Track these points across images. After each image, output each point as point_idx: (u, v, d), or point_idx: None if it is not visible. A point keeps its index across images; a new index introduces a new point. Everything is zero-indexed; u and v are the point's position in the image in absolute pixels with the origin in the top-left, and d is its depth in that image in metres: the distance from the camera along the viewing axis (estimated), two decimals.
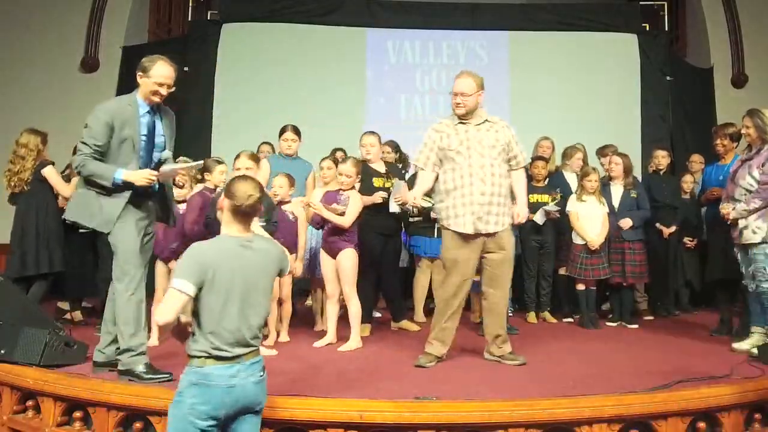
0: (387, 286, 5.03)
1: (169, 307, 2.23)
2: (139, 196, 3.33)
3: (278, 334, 4.49)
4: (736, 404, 3.01)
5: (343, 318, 4.51)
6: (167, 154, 3.42)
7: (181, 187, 4.66)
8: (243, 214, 2.39)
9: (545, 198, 5.30)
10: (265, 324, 3.03)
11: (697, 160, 6.22)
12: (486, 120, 3.85)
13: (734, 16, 7.67)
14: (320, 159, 5.09)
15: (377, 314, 5.35)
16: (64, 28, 7.45)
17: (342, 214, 4.26)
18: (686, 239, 5.86)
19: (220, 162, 4.60)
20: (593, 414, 2.85)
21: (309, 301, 5.45)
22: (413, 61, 7.94)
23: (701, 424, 2.95)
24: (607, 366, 3.68)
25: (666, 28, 8.15)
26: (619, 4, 8.37)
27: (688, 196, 5.87)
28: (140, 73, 3.32)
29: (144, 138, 3.33)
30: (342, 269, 4.29)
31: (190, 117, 7.27)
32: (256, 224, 2.85)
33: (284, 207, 4.51)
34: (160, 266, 4.37)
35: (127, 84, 6.97)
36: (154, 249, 3.67)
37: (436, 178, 3.87)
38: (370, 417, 2.79)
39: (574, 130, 6.56)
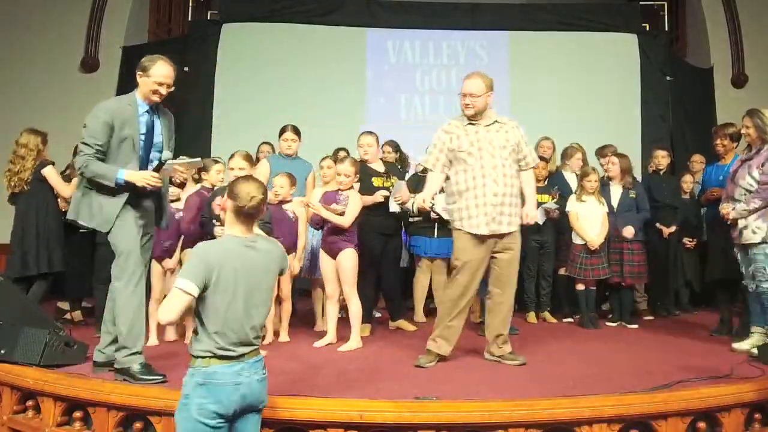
0: (387, 286, 5.03)
1: (172, 306, 2.26)
2: (138, 196, 3.34)
3: (278, 334, 4.50)
4: (736, 404, 3.01)
5: (343, 318, 4.51)
6: (167, 154, 3.42)
7: (181, 186, 4.66)
8: (246, 215, 2.40)
9: (546, 198, 5.29)
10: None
11: (698, 160, 6.22)
12: (496, 121, 3.85)
13: (734, 16, 7.67)
14: (320, 159, 5.10)
15: (377, 314, 5.36)
16: (64, 28, 7.46)
17: (341, 213, 4.26)
18: (686, 239, 5.86)
19: (216, 161, 4.62)
20: (593, 414, 2.85)
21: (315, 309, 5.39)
22: (413, 61, 7.94)
23: (701, 424, 2.96)
24: (607, 366, 3.68)
25: (666, 28, 8.16)
26: (619, 4, 8.37)
27: (687, 196, 5.88)
28: (140, 73, 3.32)
29: (142, 137, 3.33)
30: (342, 269, 4.29)
31: (190, 117, 7.27)
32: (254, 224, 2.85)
33: (285, 206, 4.51)
34: (154, 266, 4.38)
35: (127, 84, 6.97)
36: None
37: (445, 180, 3.87)
38: (370, 417, 2.79)
39: (574, 130, 6.57)
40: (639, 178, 6.07)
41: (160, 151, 3.42)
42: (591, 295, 5.17)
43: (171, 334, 4.41)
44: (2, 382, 3.36)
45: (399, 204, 4.78)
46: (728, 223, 4.12)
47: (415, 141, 6.58)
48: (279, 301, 4.47)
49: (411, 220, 5.29)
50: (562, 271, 5.49)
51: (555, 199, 5.28)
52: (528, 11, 8.00)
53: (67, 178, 5.00)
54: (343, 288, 4.34)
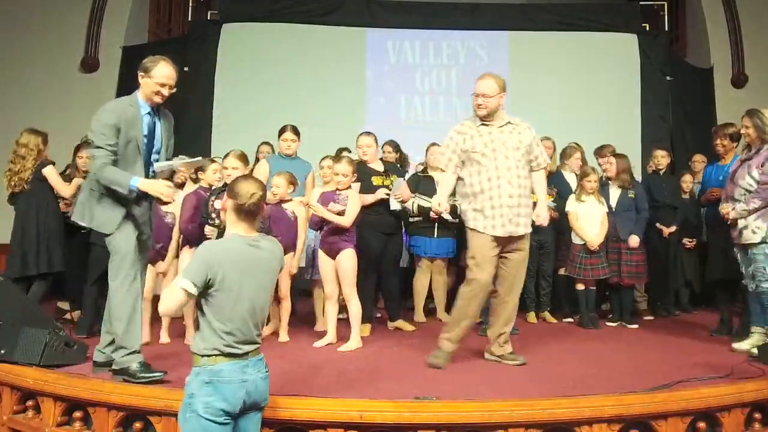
0: (387, 286, 5.03)
1: (170, 301, 2.33)
2: (137, 197, 3.32)
3: (278, 334, 4.50)
4: (736, 404, 3.02)
5: (344, 318, 4.51)
6: (161, 159, 3.42)
7: (180, 186, 4.66)
8: (247, 213, 2.42)
9: (547, 197, 5.29)
10: None
11: (699, 160, 6.22)
12: (508, 122, 3.84)
13: (734, 16, 7.67)
14: (320, 159, 5.11)
15: (377, 314, 5.35)
16: (64, 28, 7.45)
17: (341, 213, 4.26)
18: (685, 240, 5.86)
19: (213, 161, 4.62)
20: (593, 414, 2.85)
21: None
22: (413, 61, 7.94)
23: (701, 424, 2.96)
24: (607, 366, 3.69)
25: (666, 28, 8.15)
26: (619, 4, 8.37)
27: (687, 195, 5.88)
28: (142, 74, 3.30)
29: (145, 139, 3.32)
30: (342, 269, 4.29)
31: (190, 117, 7.27)
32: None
33: (284, 206, 4.52)
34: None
35: (127, 84, 6.99)
36: None
37: (457, 180, 3.86)
38: (370, 417, 2.79)
39: (574, 130, 6.56)
40: (639, 178, 6.07)
41: (159, 152, 3.41)
42: (591, 295, 5.17)
43: (165, 338, 4.38)
44: (2, 382, 3.36)
45: (399, 201, 4.78)
46: (728, 223, 4.12)
47: (415, 141, 6.58)
48: (278, 300, 4.47)
49: (411, 220, 5.29)
50: (561, 271, 5.49)
51: (553, 198, 5.28)
52: (528, 11, 8.00)
53: (67, 178, 5.00)
54: (342, 289, 4.33)
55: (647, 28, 7.98)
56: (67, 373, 3.28)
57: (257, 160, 5.61)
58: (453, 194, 4.22)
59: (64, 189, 4.76)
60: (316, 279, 4.87)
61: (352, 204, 4.31)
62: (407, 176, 5.39)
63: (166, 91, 3.31)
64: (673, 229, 5.60)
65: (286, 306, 4.53)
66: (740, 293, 4.54)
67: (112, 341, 3.33)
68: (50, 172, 4.70)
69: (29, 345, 3.34)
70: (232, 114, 7.57)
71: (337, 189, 4.36)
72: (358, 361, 3.87)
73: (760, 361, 3.58)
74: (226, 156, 4.34)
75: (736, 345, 4.05)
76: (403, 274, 5.52)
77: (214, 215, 4.11)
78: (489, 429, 2.82)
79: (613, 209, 5.23)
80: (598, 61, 7.77)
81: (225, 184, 4.08)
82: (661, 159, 5.78)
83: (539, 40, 7.84)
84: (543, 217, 3.93)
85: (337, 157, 4.74)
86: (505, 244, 3.75)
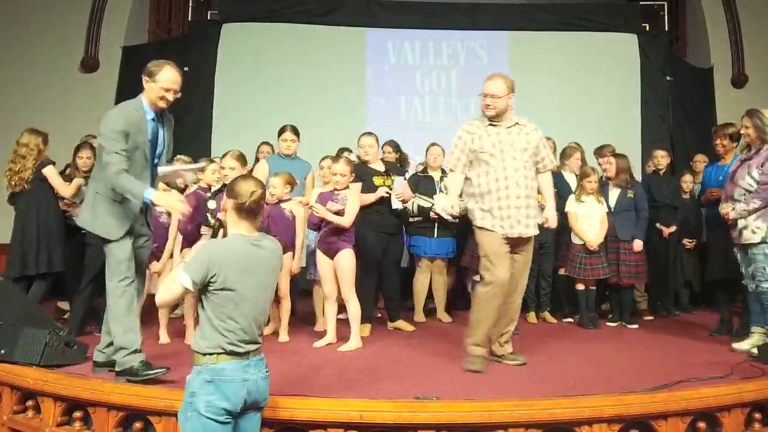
0: (387, 286, 5.03)
1: (168, 293, 2.39)
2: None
3: (278, 334, 4.50)
4: (736, 404, 3.02)
5: (343, 318, 4.51)
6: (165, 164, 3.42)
7: (183, 191, 4.66)
8: (248, 212, 2.43)
9: None
10: None
11: (700, 160, 6.20)
12: (516, 123, 3.84)
13: (734, 16, 7.67)
14: (320, 159, 5.10)
15: (377, 314, 5.35)
16: (64, 28, 7.45)
17: (339, 213, 4.25)
18: (685, 240, 5.86)
19: (212, 161, 4.63)
20: (593, 414, 2.85)
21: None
22: (413, 62, 7.93)
23: (701, 424, 2.96)
24: (607, 366, 3.69)
25: (666, 28, 8.15)
26: (619, 4, 8.37)
27: (687, 196, 5.88)
28: (146, 78, 3.25)
29: (149, 144, 3.30)
30: (341, 270, 4.29)
31: (190, 117, 7.26)
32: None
33: (282, 205, 4.51)
34: None
35: (127, 84, 7.00)
36: None
37: (464, 180, 3.84)
38: (370, 417, 2.79)
39: (574, 130, 6.56)
40: (639, 178, 6.07)
41: (160, 156, 3.40)
42: (591, 295, 5.17)
43: (164, 337, 4.39)
44: (2, 382, 3.36)
45: (400, 200, 4.78)
46: (728, 223, 4.12)
47: (415, 141, 6.58)
48: (278, 300, 4.46)
49: (411, 220, 5.29)
50: (561, 271, 5.49)
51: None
52: (528, 11, 8.00)
53: (67, 178, 5.00)
54: (341, 289, 4.33)
55: (647, 28, 7.98)
56: (67, 373, 3.28)
57: (257, 160, 5.61)
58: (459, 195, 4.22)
59: (64, 189, 4.76)
60: (316, 279, 4.87)
61: (351, 204, 4.30)
62: (407, 176, 5.39)
63: (170, 96, 3.27)
64: (673, 229, 5.60)
65: (286, 306, 4.53)
66: (740, 293, 4.54)
67: (112, 342, 3.33)
68: (50, 172, 4.70)
69: (29, 345, 3.34)
70: (232, 114, 7.57)
71: (335, 189, 4.36)
72: (358, 361, 3.87)
73: (760, 361, 3.58)
74: (224, 156, 4.35)
75: (736, 345, 4.05)
76: (403, 274, 5.52)
77: (208, 215, 4.12)
78: (489, 429, 2.82)
79: (613, 209, 5.23)
80: (598, 61, 7.76)
81: (223, 185, 4.08)
82: (661, 159, 5.78)
83: (539, 40, 7.84)
84: (552, 220, 3.93)
85: (337, 157, 4.75)
86: (513, 245, 3.74)
